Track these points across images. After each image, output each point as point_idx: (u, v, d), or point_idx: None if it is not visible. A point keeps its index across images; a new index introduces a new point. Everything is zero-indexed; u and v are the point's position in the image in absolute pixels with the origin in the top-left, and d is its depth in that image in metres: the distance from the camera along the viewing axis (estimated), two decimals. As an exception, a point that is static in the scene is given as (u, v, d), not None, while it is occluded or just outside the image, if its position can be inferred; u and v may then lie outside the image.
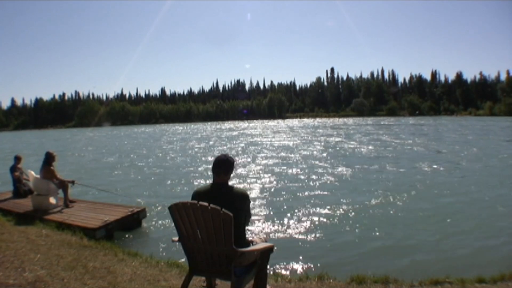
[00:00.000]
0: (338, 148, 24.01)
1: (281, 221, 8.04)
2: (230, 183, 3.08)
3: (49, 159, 8.11)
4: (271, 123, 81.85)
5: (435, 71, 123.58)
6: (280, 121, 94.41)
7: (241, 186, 11.69)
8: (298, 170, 15.25)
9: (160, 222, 8.12)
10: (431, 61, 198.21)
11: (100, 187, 10.46)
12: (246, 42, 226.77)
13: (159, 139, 40.35)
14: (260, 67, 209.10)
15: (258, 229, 7.45)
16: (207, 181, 13.00)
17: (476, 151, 20.39)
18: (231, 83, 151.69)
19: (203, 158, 20.92)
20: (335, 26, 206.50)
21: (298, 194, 10.71)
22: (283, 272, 4.83)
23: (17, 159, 9.06)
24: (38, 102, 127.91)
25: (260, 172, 15.03)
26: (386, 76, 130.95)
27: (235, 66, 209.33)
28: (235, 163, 3.17)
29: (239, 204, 2.88)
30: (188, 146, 29.81)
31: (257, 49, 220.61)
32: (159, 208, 9.13)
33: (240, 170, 15.27)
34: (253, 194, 10.81)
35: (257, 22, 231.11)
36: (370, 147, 23.74)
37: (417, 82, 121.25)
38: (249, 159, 19.57)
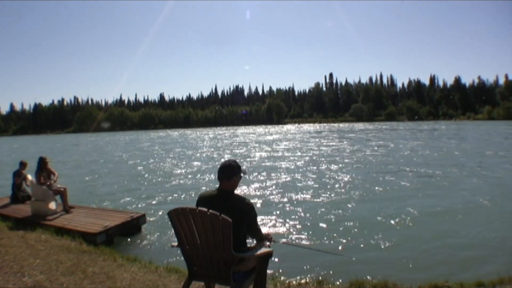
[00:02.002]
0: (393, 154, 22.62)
1: (280, 226, 8.04)
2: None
3: (42, 164, 8.15)
4: (275, 128, 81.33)
5: (434, 75, 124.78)
6: (285, 126, 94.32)
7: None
8: (308, 174, 15.26)
9: (159, 227, 8.11)
10: (430, 66, 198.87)
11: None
12: (245, 43, 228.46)
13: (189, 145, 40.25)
14: (259, 70, 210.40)
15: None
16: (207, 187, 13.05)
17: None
18: (230, 88, 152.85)
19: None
20: (333, 31, 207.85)
21: (300, 198, 10.71)
22: (282, 277, 4.82)
23: (22, 164, 9.04)
24: (37, 107, 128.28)
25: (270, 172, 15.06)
26: (384, 81, 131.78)
27: (234, 69, 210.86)
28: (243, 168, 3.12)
29: (240, 212, 2.86)
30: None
31: (256, 50, 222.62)
32: (158, 214, 9.13)
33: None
34: (259, 198, 10.86)
35: (256, 23, 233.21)
36: (427, 152, 22.95)
37: (416, 87, 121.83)
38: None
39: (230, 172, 2.98)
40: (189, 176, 16.24)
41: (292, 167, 18.00)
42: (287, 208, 9.62)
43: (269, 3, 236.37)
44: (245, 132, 65.79)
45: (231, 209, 2.78)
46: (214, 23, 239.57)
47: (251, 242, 3.27)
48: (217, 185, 3.05)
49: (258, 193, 11.65)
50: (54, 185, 8.16)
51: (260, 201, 10.49)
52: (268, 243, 3.35)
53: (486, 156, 19.93)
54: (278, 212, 9.26)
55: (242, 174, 3.09)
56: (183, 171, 18.04)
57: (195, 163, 21.46)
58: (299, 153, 24.77)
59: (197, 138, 53.23)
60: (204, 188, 12.75)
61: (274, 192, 11.76)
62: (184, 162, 21.89)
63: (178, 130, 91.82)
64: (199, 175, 16.29)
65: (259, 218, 8.23)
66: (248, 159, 21.96)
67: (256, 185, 13.06)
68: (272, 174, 15.54)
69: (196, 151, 30.60)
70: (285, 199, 10.69)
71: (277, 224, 8.21)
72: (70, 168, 20.93)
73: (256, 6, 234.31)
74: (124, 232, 7.41)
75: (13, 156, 29.17)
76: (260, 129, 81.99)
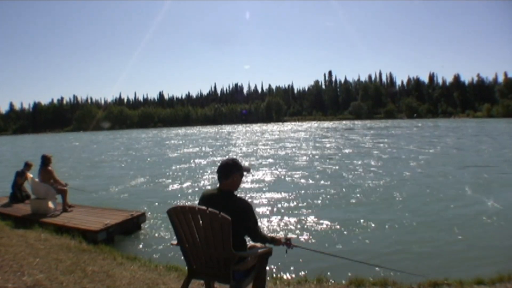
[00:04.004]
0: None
1: (280, 224, 8.04)
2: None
3: (46, 161, 8.17)
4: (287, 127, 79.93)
5: (433, 73, 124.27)
6: (288, 124, 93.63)
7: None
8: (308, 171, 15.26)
9: (159, 226, 8.12)
10: (429, 64, 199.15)
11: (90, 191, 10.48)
12: (244, 42, 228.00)
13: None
14: (259, 69, 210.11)
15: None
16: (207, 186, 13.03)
17: None
18: (229, 86, 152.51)
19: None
20: (332, 29, 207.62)
21: (301, 197, 10.71)
22: (282, 275, 4.82)
23: (27, 165, 9.01)
24: (36, 106, 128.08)
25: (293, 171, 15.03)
26: (384, 79, 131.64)
27: (233, 68, 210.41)
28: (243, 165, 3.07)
29: (240, 212, 2.84)
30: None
31: (256, 49, 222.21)
32: (158, 212, 9.11)
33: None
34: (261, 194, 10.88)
35: (256, 23, 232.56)
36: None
37: (415, 85, 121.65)
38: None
39: (227, 171, 2.97)
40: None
41: (376, 166, 16.92)
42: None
43: (268, 2, 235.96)
44: (264, 129, 64.76)
45: (230, 208, 2.77)
46: (213, 22, 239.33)
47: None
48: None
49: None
50: (59, 181, 8.19)
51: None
52: (288, 247, 3.31)
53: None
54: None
55: (244, 173, 3.07)
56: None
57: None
58: (363, 152, 23.40)
59: (231, 136, 49.88)
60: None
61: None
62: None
63: (179, 129, 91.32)
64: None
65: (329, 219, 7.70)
66: (323, 157, 20.91)
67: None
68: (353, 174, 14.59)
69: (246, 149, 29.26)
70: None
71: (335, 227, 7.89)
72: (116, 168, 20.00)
73: (255, 5, 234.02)
74: (124, 230, 7.43)
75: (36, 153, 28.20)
76: (271, 126, 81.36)
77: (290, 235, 3.38)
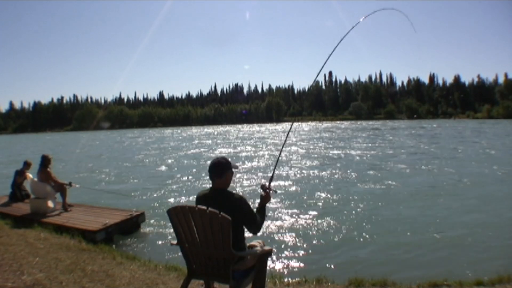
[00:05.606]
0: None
1: (279, 224, 8.04)
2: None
3: (45, 161, 8.15)
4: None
5: (433, 74, 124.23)
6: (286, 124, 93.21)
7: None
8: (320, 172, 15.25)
9: (158, 225, 8.11)
10: (429, 64, 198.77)
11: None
12: (244, 42, 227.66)
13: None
14: (259, 69, 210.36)
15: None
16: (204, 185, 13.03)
17: None
18: (229, 86, 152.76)
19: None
20: (332, 29, 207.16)
21: (300, 196, 10.71)
22: (282, 275, 4.82)
23: (27, 164, 9.00)
24: (36, 105, 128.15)
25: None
26: (384, 79, 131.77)
27: (233, 68, 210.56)
28: (232, 163, 3.08)
29: (237, 209, 2.85)
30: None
31: (256, 49, 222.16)
32: (158, 212, 9.12)
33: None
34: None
35: (256, 23, 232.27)
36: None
37: (415, 86, 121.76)
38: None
39: (220, 170, 2.98)
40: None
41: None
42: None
43: (268, 2, 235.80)
44: (282, 129, 64.02)
45: (226, 206, 2.78)
46: (213, 22, 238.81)
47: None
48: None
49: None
50: (58, 181, 8.18)
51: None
52: (271, 191, 3.26)
53: None
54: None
55: (233, 169, 3.08)
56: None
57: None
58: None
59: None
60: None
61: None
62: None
63: (180, 128, 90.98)
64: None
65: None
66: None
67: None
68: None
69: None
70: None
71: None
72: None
73: (255, 5, 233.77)
74: (124, 230, 7.42)
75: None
76: (280, 126, 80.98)
77: (263, 183, 3.34)
